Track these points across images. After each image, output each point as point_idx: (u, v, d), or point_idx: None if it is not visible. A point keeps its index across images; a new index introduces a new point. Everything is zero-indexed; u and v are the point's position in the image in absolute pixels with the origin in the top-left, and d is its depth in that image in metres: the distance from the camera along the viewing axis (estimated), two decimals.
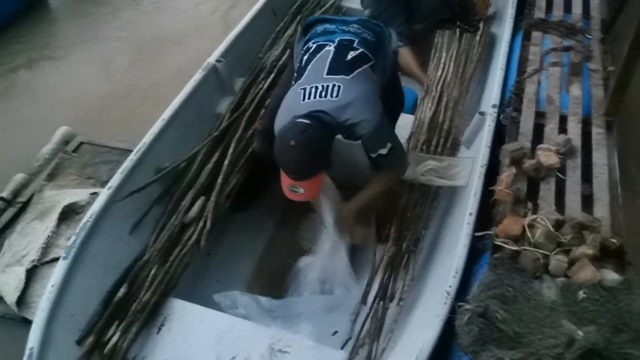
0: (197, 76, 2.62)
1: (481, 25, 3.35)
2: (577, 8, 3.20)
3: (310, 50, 2.09)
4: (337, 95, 1.92)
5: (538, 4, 3.25)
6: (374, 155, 2.04)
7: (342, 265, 2.19)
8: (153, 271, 2.09)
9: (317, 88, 1.94)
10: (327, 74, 1.97)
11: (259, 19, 3.08)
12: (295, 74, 2.10)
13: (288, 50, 2.84)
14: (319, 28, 2.18)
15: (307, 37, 2.19)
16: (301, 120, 1.86)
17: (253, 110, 2.65)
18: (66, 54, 4.52)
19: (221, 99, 2.77)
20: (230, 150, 2.47)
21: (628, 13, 2.70)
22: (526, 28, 3.09)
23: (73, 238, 1.98)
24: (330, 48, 2.05)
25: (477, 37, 3.28)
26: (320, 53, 2.05)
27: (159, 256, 2.14)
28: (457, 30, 3.34)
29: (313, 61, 2.04)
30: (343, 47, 2.05)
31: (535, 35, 3.03)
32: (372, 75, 2.06)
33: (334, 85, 1.94)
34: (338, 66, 2.00)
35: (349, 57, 2.02)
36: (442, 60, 3.16)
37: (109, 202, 2.09)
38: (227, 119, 2.60)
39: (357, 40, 2.08)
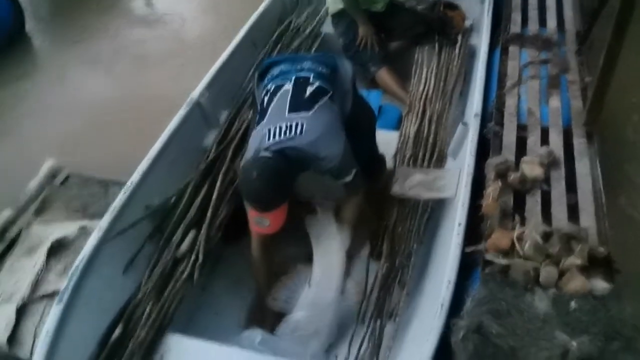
0: (182, 112, 2.64)
1: (459, 38, 3.42)
2: (551, 21, 3.26)
3: (270, 92, 2.18)
4: (301, 132, 2.00)
5: (514, 18, 3.31)
6: (339, 183, 2.16)
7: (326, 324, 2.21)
8: (148, 308, 2.09)
9: (281, 127, 2.03)
10: (289, 113, 2.06)
11: (239, 51, 3.12)
12: (258, 116, 2.18)
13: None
14: (275, 71, 2.27)
15: (265, 82, 2.27)
16: (264, 154, 1.96)
17: (239, 142, 2.67)
18: (47, 85, 4.51)
19: (206, 132, 2.79)
20: (218, 182, 2.49)
21: (601, 24, 2.76)
22: (503, 43, 3.13)
23: (66, 282, 1.98)
24: (288, 87, 2.15)
25: (457, 50, 3.33)
26: (279, 93, 2.14)
27: (153, 293, 2.14)
28: (436, 44, 3.41)
29: (274, 102, 2.13)
30: (300, 84, 2.15)
31: (513, 49, 3.08)
32: (332, 106, 2.14)
33: (297, 123, 2.02)
34: (298, 103, 2.09)
35: (308, 92, 2.11)
36: (423, 75, 3.22)
37: (100, 243, 2.09)
38: (213, 151, 2.63)
39: (312, 75, 2.17)
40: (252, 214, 2.02)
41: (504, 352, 1.66)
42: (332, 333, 2.22)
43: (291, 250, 2.42)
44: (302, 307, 2.19)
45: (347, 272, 2.26)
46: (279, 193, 1.98)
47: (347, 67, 2.36)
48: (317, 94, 2.13)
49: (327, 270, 2.20)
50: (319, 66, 2.25)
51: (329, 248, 2.23)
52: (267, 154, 1.96)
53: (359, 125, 2.29)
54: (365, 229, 2.42)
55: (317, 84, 2.15)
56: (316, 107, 2.08)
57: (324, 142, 2.03)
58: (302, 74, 2.20)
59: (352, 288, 2.30)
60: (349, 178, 2.13)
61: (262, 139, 2.04)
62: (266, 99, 2.18)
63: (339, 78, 2.27)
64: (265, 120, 2.11)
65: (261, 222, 2.01)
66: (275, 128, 2.03)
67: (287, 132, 2.01)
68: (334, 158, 2.05)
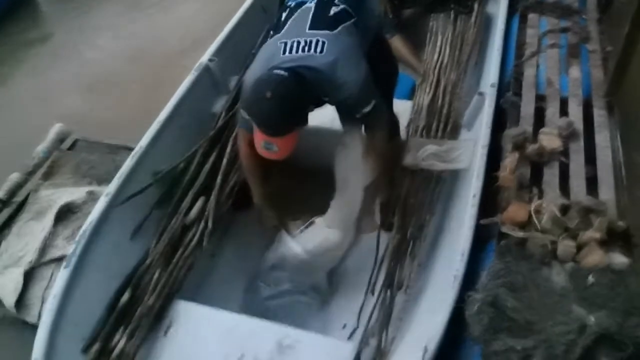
0: (191, 77, 2.59)
1: (475, 5, 3.31)
2: None
3: (290, 8, 2.00)
4: (321, 51, 1.84)
5: None
6: (358, 116, 2.00)
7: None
8: (156, 275, 2.08)
9: (299, 42, 1.86)
10: (310, 29, 1.90)
11: (248, 16, 3.05)
12: (272, 31, 2.01)
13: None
14: None
15: (286, 3, 2.09)
16: (279, 72, 1.80)
17: None
18: (55, 48, 4.48)
19: (216, 98, 2.74)
20: (228, 149, 2.45)
21: None
22: (522, 10, 3.07)
23: (73, 246, 1.96)
24: (311, 4, 1.97)
25: (472, 19, 3.23)
26: (301, 9, 1.97)
27: (161, 259, 2.13)
28: (452, 12, 3.31)
29: (293, 17, 1.95)
30: (325, 3, 1.97)
31: (532, 17, 3.01)
32: (355, 32, 1.99)
33: (317, 41, 1.86)
34: (321, 21, 1.92)
35: (332, 12, 1.95)
36: (438, 44, 3.14)
37: (107, 209, 2.07)
38: (223, 117, 2.58)
39: None
40: (259, 137, 1.83)
41: (520, 326, 1.63)
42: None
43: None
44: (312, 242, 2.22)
45: (362, 209, 2.24)
46: (292, 117, 1.81)
47: (375, 2, 2.22)
48: (342, 16, 1.96)
49: (345, 212, 2.20)
50: None
51: (351, 186, 2.18)
52: (281, 72, 1.79)
53: (378, 71, 2.07)
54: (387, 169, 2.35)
55: (342, 6, 1.98)
56: (340, 28, 1.92)
57: (343, 65, 1.86)
58: None
59: (366, 224, 2.32)
60: (367, 109, 1.96)
61: (275, 52, 1.88)
62: (284, 14, 1.99)
63: (364, 10, 2.09)
64: (281, 33, 1.93)
65: (269, 148, 1.82)
66: (293, 42, 1.86)
67: (306, 48, 1.84)
68: (353, 85, 1.88)
